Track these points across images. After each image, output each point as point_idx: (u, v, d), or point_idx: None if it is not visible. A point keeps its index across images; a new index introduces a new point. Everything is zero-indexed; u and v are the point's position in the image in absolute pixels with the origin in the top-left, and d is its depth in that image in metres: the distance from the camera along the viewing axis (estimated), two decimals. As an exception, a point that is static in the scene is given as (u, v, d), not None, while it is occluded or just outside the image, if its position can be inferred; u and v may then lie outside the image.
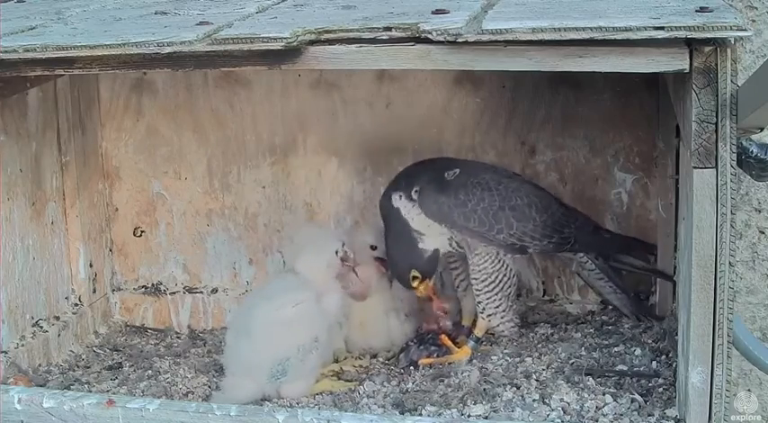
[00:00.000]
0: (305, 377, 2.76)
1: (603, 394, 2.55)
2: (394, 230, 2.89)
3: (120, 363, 3.05)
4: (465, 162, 2.94)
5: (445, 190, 2.80)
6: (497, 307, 2.92)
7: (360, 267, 3.01)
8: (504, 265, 2.89)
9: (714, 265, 2.11)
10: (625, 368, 2.73)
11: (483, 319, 2.93)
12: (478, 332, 2.95)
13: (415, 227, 2.85)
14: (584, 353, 2.87)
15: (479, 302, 2.92)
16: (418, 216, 2.84)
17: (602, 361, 2.81)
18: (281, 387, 2.74)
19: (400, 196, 2.85)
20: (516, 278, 2.95)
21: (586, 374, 2.68)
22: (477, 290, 2.91)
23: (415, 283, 2.91)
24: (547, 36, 2.01)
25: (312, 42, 2.18)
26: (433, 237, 2.87)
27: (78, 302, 3.23)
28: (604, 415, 2.47)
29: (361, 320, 3.04)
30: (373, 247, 3.03)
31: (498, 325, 2.95)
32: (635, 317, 3.03)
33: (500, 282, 2.89)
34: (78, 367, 3.02)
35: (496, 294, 2.90)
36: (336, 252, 2.90)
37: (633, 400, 2.52)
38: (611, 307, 3.17)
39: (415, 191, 2.83)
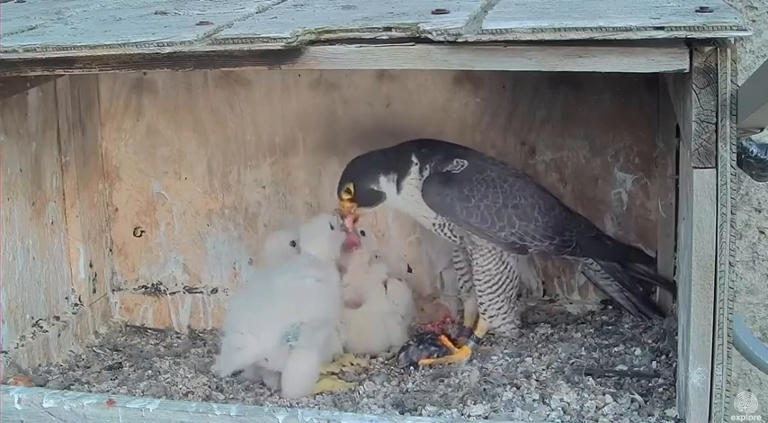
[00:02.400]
0: (309, 358, 2.76)
1: (603, 394, 2.55)
2: (386, 154, 2.86)
3: (120, 363, 3.05)
4: (475, 154, 2.93)
5: (450, 183, 2.80)
6: (499, 308, 2.92)
7: (351, 270, 3.05)
8: (508, 267, 2.89)
9: (714, 265, 2.11)
10: (625, 368, 2.73)
11: (485, 319, 2.94)
12: (480, 333, 2.95)
13: (408, 192, 2.84)
14: (584, 353, 2.87)
15: (482, 303, 2.92)
16: (417, 190, 2.83)
17: (602, 361, 2.81)
18: (282, 384, 2.75)
19: (416, 163, 2.84)
20: (518, 280, 2.96)
21: (586, 374, 2.68)
22: (479, 291, 2.91)
23: (343, 195, 2.86)
24: (547, 36, 2.01)
25: (312, 42, 2.18)
26: (412, 208, 2.87)
27: (78, 302, 3.23)
28: (604, 415, 2.47)
29: (359, 328, 3.03)
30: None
31: (500, 326, 2.95)
32: (641, 315, 3.03)
33: (503, 283, 2.89)
34: (78, 367, 3.02)
35: (499, 296, 2.90)
36: (331, 226, 2.97)
37: (633, 400, 2.52)
38: (611, 307, 3.17)
39: (426, 168, 2.83)
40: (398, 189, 2.85)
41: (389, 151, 2.89)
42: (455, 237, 2.90)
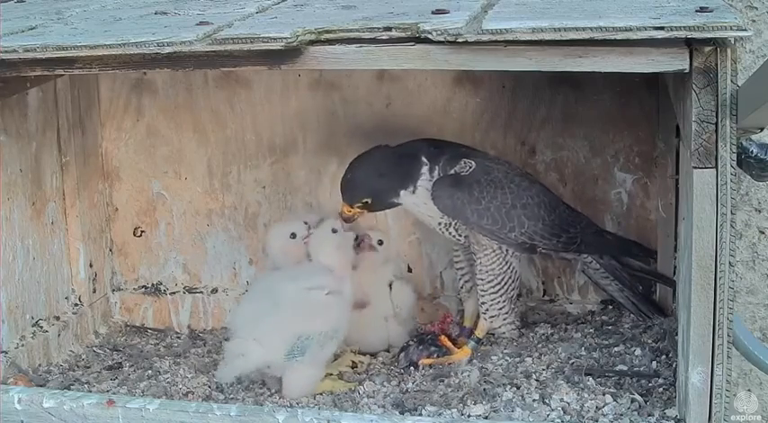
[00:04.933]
0: (313, 368, 2.75)
1: (603, 394, 2.56)
2: (399, 160, 2.81)
3: (120, 363, 3.05)
4: (480, 154, 2.92)
5: (460, 186, 2.80)
6: (500, 309, 2.92)
7: (359, 270, 3.01)
8: (511, 268, 2.89)
9: (714, 265, 2.11)
10: (625, 368, 2.73)
11: (485, 320, 2.94)
12: (480, 333, 2.95)
13: (419, 194, 2.82)
14: (584, 353, 2.87)
15: (483, 303, 2.92)
16: (426, 191, 2.82)
17: (602, 361, 2.81)
18: (283, 381, 2.74)
19: (426, 163, 2.81)
20: (519, 281, 2.96)
21: (586, 374, 2.68)
22: (482, 290, 2.91)
23: (355, 208, 2.83)
24: (547, 36, 2.01)
25: (312, 42, 2.18)
26: (418, 209, 2.85)
27: (78, 302, 3.23)
28: (604, 415, 2.47)
29: (361, 328, 3.02)
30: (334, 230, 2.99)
31: (500, 326, 2.95)
32: (641, 314, 3.03)
33: (505, 283, 2.89)
34: (78, 367, 3.02)
35: (501, 296, 2.90)
36: (333, 230, 2.94)
37: (633, 400, 2.52)
38: (611, 307, 3.17)
39: (435, 169, 2.81)
40: (413, 194, 2.83)
41: (400, 155, 2.83)
42: (460, 236, 2.89)
